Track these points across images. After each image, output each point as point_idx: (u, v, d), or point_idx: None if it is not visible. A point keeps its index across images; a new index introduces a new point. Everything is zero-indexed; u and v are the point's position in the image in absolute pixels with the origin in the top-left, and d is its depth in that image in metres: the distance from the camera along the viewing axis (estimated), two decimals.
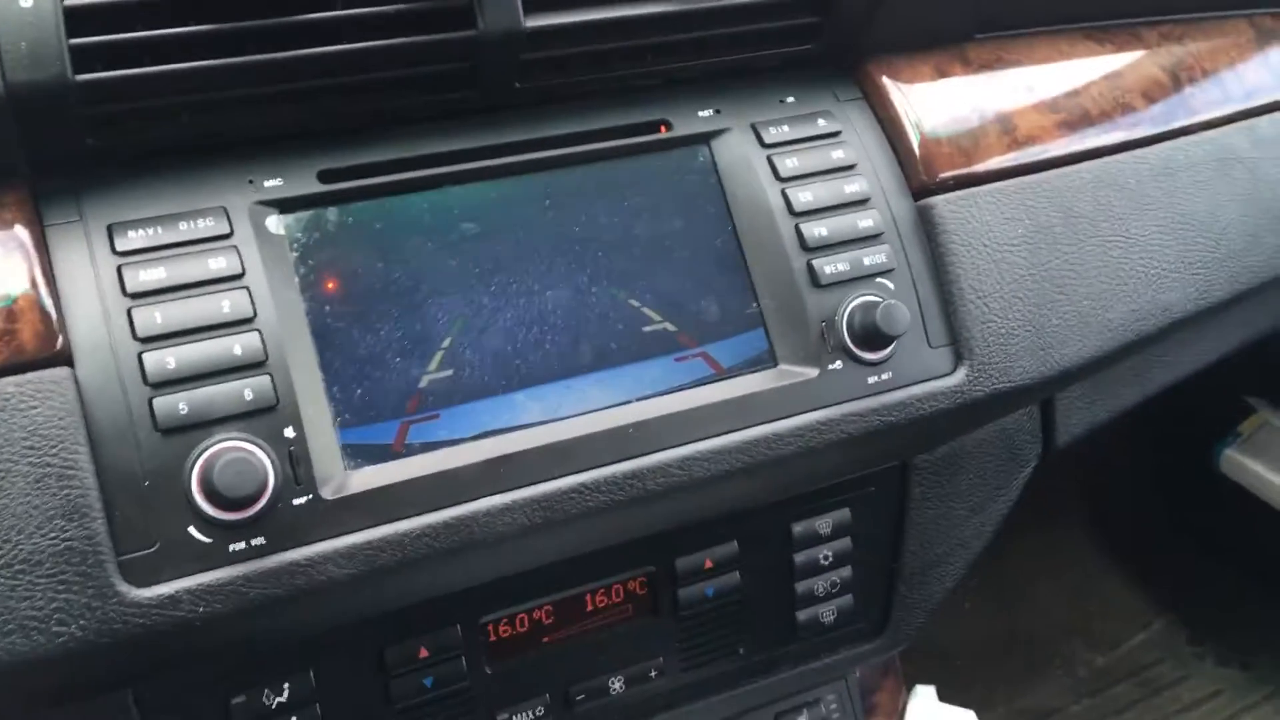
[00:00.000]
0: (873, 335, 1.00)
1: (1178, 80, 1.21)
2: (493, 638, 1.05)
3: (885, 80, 1.09)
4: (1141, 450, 2.35)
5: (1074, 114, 1.14)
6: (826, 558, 1.18)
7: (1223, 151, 1.20)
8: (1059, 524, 2.30)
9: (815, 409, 1.00)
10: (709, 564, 1.12)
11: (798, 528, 1.16)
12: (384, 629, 1.00)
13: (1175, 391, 1.45)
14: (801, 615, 1.19)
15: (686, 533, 1.10)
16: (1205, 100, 1.22)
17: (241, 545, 0.83)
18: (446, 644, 1.02)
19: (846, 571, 1.19)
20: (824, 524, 1.17)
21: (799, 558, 1.17)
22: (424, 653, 1.01)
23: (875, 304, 0.99)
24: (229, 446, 0.82)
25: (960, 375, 1.05)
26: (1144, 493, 2.38)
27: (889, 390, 1.03)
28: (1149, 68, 1.21)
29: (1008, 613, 2.21)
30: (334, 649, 0.98)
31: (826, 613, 1.20)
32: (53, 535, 0.78)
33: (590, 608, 1.09)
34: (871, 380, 1.02)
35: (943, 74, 1.11)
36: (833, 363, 1.01)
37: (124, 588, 0.80)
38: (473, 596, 1.03)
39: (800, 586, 1.18)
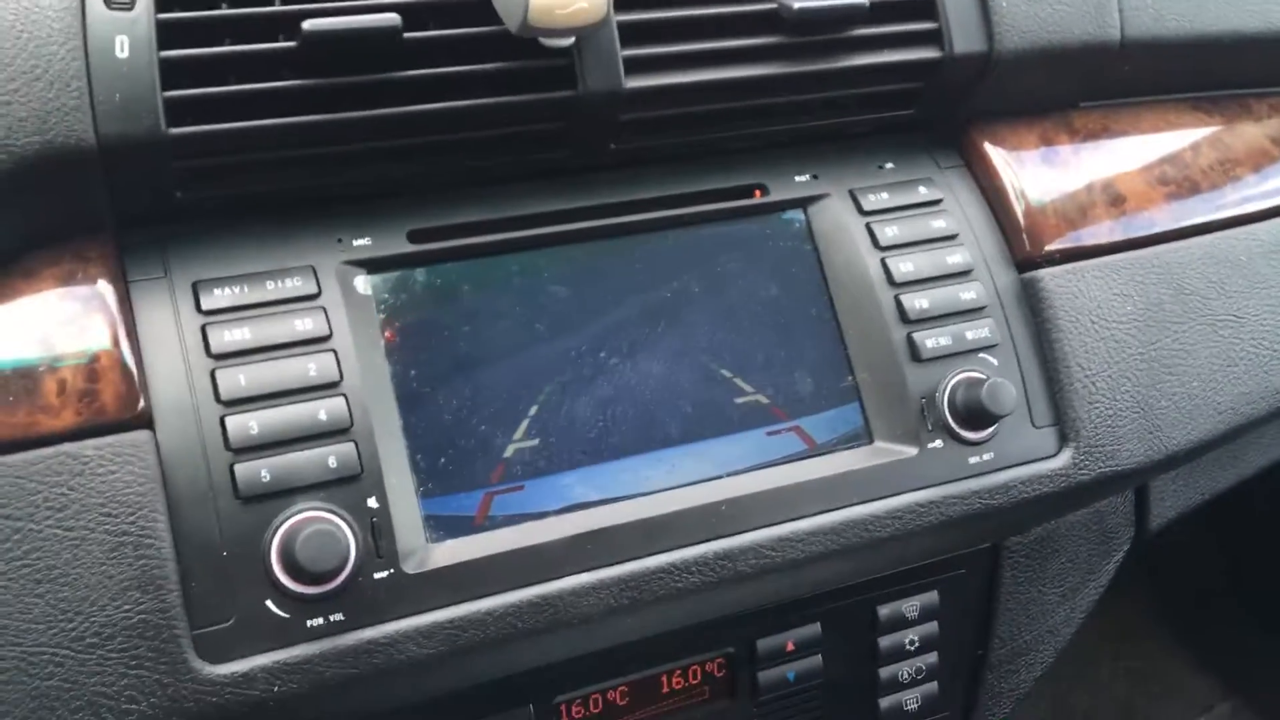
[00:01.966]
0: (976, 414, 0.95)
1: None
2: (565, 718, 1.01)
3: (989, 147, 1.05)
4: (1207, 527, 2.28)
5: (1183, 186, 1.09)
6: (912, 642, 1.12)
7: None
8: (1121, 602, 2.23)
9: (914, 490, 0.95)
10: (791, 646, 1.07)
11: (884, 610, 1.10)
12: (454, 706, 0.95)
13: None
14: (884, 702, 1.13)
15: (768, 613, 1.05)
16: None
17: (320, 621, 0.79)
18: None
19: (933, 657, 1.14)
20: (911, 607, 1.11)
21: (884, 642, 1.11)
22: None
23: (980, 381, 0.95)
24: (311, 517, 0.78)
25: (1065, 458, 1.00)
26: (1210, 571, 2.30)
27: (991, 472, 0.98)
28: (1258, 139, 1.16)
29: (1068, 692, 2.14)
30: None
31: (910, 700, 1.14)
32: (126, 608, 0.74)
33: (666, 689, 1.04)
34: (973, 461, 0.97)
35: (1048, 142, 1.07)
36: (932, 441, 0.96)
37: (198, 664, 0.76)
38: (547, 675, 0.98)
39: (884, 672, 1.12)
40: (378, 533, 0.81)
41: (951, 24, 0.99)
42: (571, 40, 0.86)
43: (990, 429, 0.97)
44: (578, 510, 0.88)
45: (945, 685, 1.16)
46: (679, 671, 1.04)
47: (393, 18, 0.81)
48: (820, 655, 1.08)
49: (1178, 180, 1.10)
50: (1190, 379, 1.05)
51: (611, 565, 0.87)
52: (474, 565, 0.84)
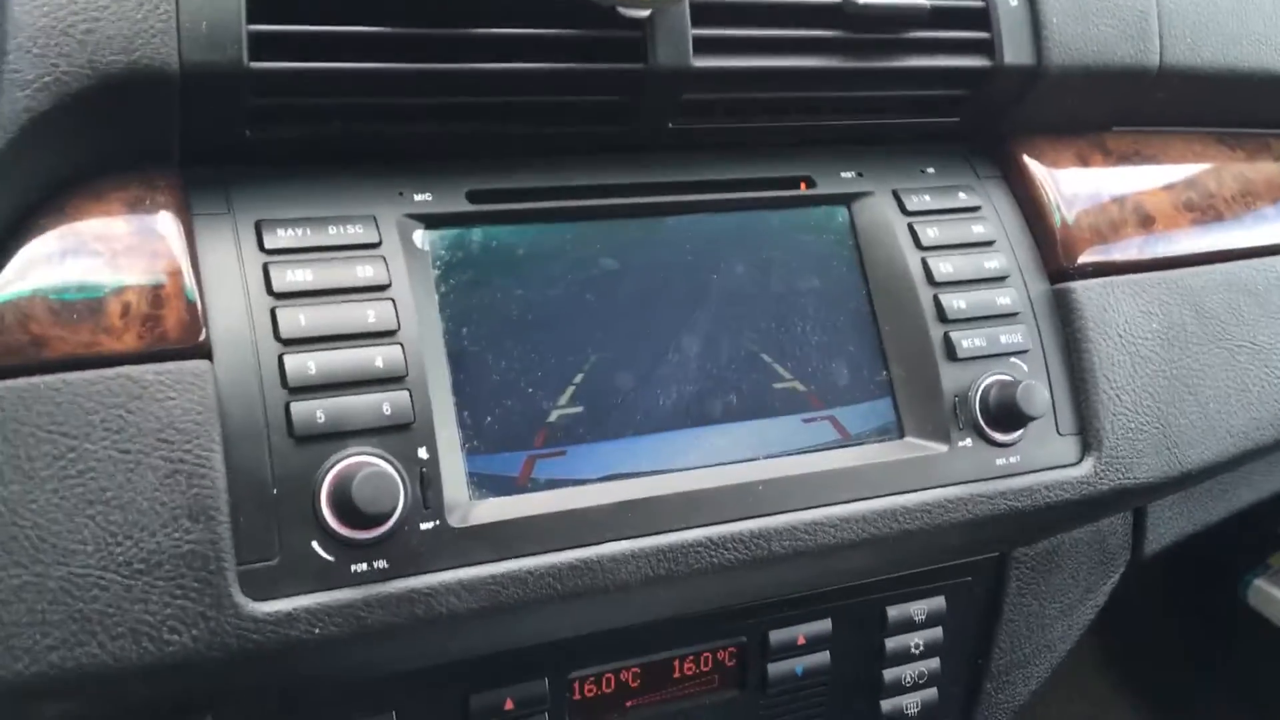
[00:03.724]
0: (1008, 415, 0.97)
1: None
2: (577, 695, 1.00)
3: (1029, 160, 1.07)
4: (1164, 577, 2.30)
5: (1208, 213, 1.12)
6: (917, 646, 1.13)
7: None
8: (1074, 651, 2.25)
9: (943, 486, 0.97)
10: (801, 640, 1.07)
11: (893, 611, 1.11)
12: (471, 674, 0.94)
13: None
14: (886, 704, 1.14)
15: (781, 605, 1.06)
16: None
17: (364, 567, 0.78)
18: (533, 697, 0.97)
19: (935, 663, 1.15)
20: (919, 610, 1.12)
21: (890, 643, 1.12)
22: (510, 704, 0.96)
23: (1013, 383, 0.97)
24: (365, 460, 0.78)
25: (1087, 466, 1.02)
26: (1165, 622, 2.33)
27: (1017, 474, 0.99)
28: (1277, 176, 1.20)
29: None
30: (418, 690, 0.93)
31: (911, 704, 1.15)
32: (176, 536, 0.73)
33: (677, 674, 1.04)
34: (999, 462, 0.99)
35: (1083, 160, 1.09)
36: (962, 440, 0.98)
37: (241, 600, 0.75)
38: (562, 650, 0.98)
39: (888, 673, 1.13)
40: (426, 483, 0.80)
41: (1004, 35, 1.01)
42: (649, 12, 0.87)
43: (1019, 431, 0.99)
44: (618, 479, 0.89)
45: (945, 691, 1.17)
46: (691, 657, 1.04)
47: None
48: (828, 652, 1.09)
49: (1203, 207, 1.13)
50: (1207, 400, 1.08)
51: (651, 535, 0.87)
52: (517, 524, 0.83)
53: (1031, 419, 0.96)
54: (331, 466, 0.78)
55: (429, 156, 0.90)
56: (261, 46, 0.78)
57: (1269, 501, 1.52)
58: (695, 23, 0.90)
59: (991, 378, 0.99)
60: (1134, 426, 1.03)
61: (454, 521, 0.81)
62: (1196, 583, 2.19)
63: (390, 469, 0.78)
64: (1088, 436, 1.02)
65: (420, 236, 0.87)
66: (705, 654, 1.05)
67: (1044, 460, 1.01)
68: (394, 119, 0.86)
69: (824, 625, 1.08)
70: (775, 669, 1.07)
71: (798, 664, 1.08)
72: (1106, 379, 1.02)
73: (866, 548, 0.95)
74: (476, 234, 0.89)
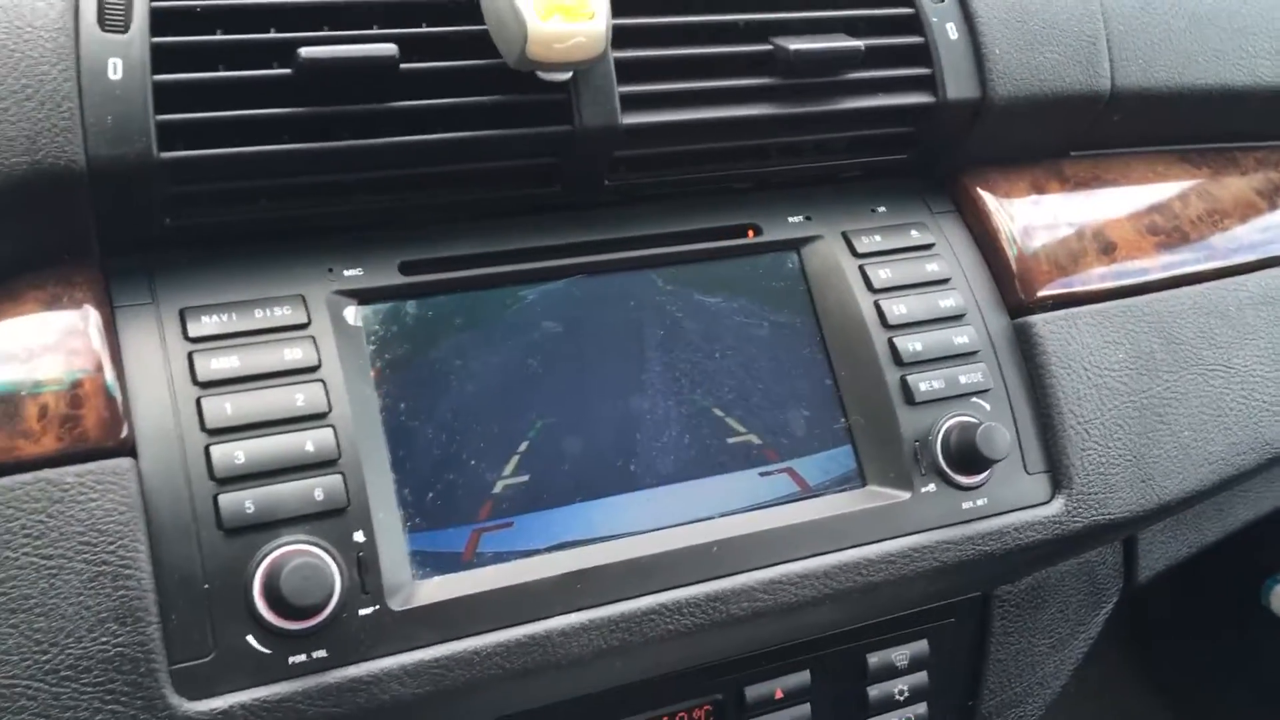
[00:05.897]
0: (970, 458, 0.94)
1: (1274, 205, 1.18)
2: None
3: (981, 193, 1.05)
4: (1187, 582, 2.26)
5: (1172, 236, 1.10)
6: (902, 693, 1.10)
7: None
8: (1101, 658, 2.20)
9: (907, 534, 0.94)
10: (779, 694, 1.05)
11: (873, 659, 1.08)
12: None
13: None
14: None
15: (756, 660, 1.03)
16: None
17: (302, 658, 0.77)
18: None
19: (922, 708, 1.12)
20: (901, 656, 1.09)
21: (873, 692, 1.09)
22: None
23: (974, 425, 0.94)
24: (297, 550, 0.76)
25: (1058, 505, 0.99)
26: (1190, 627, 2.28)
27: (984, 518, 0.97)
28: (1244, 192, 1.17)
29: None
30: None
31: None
32: (104, 640, 0.72)
33: None
34: (966, 506, 0.96)
35: (1039, 190, 1.07)
36: (925, 485, 0.95)
37: (175, 700, 0.73)
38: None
39: None
40: (363, 568, 0.79)
41: (945, 70, 0.99)
42: (569, 75, 0.85)
43: (984, 474, 0.97)
44: (567, 549, 0.87)
45: None
46: (665, 718, 1.02)
47: (390, 48, 0.81)
48: (809, 704, 1.06)
49: (1167, 230, 1.10)
50: (1182, 428, 1.05)
51: (602, 605, 0.85)
52: (461, 603, 0.82)
53: (993, 462, 0.94)
54: (264, 558, 0.76)
55: (359, 229, 0.88)
56: (171, 136, 0.78)
57: None
58: (621, 80, 0.89)
59: (953, 420, 0.96)
60: (1105, 460, 1.01)
61: (395, 605, 0.80)
62: (1220, 589, 2.15)
63: (323, 556, 0.76)
64: (1057, 474, 1.00)
65: (352, 313, 0.86)
66: (680, 714, 1.03)
67: (1013, 501, 0.98)
68: (318, 197, 0.85)
69: (802, 677, 1.06)
70: None
71: (776, 719, 1.05)
72: (1073, 414, 1.00)
73: (830, 602, 0.93)
74: (411, 306, 0.88)
